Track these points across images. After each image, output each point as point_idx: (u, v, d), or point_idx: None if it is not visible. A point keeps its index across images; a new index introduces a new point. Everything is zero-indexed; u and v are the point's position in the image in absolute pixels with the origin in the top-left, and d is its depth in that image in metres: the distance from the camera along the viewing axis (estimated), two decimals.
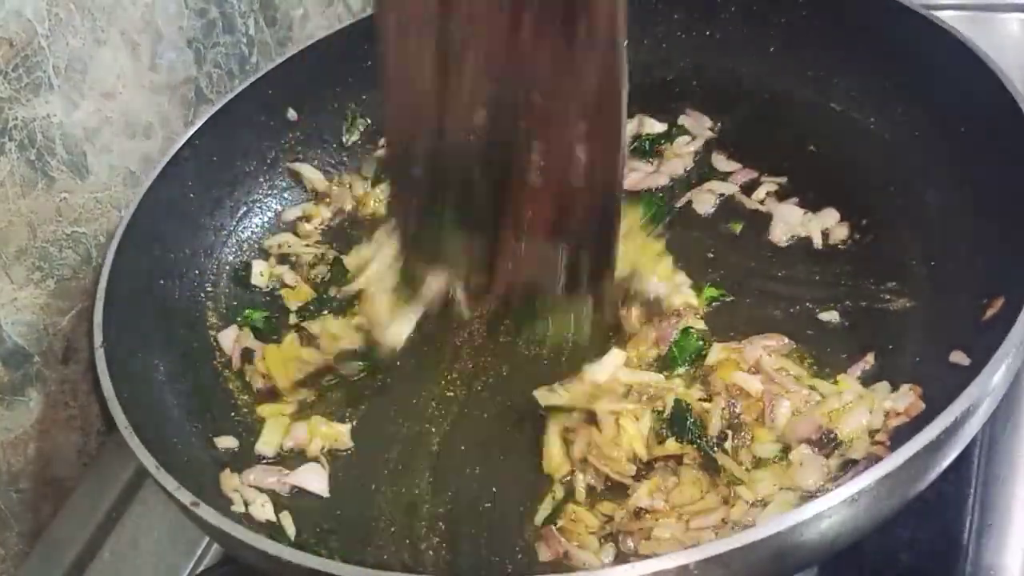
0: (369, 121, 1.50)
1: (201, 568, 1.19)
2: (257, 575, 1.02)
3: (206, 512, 0.91)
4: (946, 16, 1.23)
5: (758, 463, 1.02)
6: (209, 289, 1.32)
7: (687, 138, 1.41)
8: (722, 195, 1.32)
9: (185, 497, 0.92)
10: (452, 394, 1.16)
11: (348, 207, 1.43)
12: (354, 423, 1.16)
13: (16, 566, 1.25)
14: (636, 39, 1.46)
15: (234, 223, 1.39)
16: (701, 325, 1.15)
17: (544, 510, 1.02)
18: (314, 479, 1.10)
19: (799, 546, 0.81)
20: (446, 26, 1.02)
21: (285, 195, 1.44)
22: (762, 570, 0.82)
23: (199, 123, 1.33)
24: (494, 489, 1.06)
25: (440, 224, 1.14)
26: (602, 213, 1.10)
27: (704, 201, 1.32)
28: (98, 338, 1.08)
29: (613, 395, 1.07)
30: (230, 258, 1.36)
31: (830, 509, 0.79)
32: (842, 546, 0.86)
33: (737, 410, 1.06)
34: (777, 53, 1.40)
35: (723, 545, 0.77)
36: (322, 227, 1.41)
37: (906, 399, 1.02)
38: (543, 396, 1.09)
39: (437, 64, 1.04)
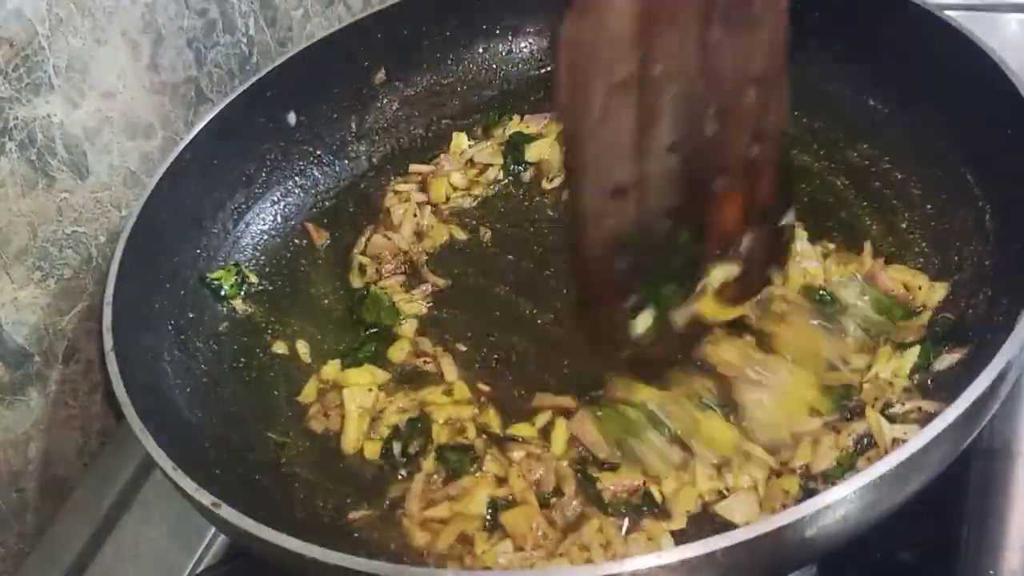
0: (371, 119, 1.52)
1: (201, 568, 1.19)
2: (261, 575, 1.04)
3: (228, 513, 0.91)
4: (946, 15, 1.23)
5: None
6: (214, 291, 1.32)
7: None
8: None
9: (206, 498, 0.92)
10: None
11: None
12: None
13: (16, 566, 1.25)
14: None
15: (236, 226, 1.39)
16: None
17: None
18: None
19: (819, 533, 0.82)
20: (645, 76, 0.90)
21: (287, 198, 1.45)
22: (780, 557, 0.84)
23: (200, 125, 1.33)
24: None
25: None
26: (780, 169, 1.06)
27: None
28: (108, 342, 1.08)
29: None
30: (233, 260, 1.36)
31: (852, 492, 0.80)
32: (860, 529, 0.87)
33: None
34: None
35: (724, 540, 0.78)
36: None
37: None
38: None
39: (637, 121, 0.92)
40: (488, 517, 1.04)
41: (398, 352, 1.24)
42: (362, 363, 1.24)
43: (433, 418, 1.15)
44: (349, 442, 1.16)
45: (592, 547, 0.98)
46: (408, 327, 1.27)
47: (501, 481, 1.07)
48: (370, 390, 1.20)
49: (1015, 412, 1.12)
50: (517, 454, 1.09)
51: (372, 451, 1.15)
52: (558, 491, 1.05)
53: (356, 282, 1.35)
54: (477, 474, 1.08)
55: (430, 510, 1.06)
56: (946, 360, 1.06)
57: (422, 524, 1.05)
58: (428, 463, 1.10)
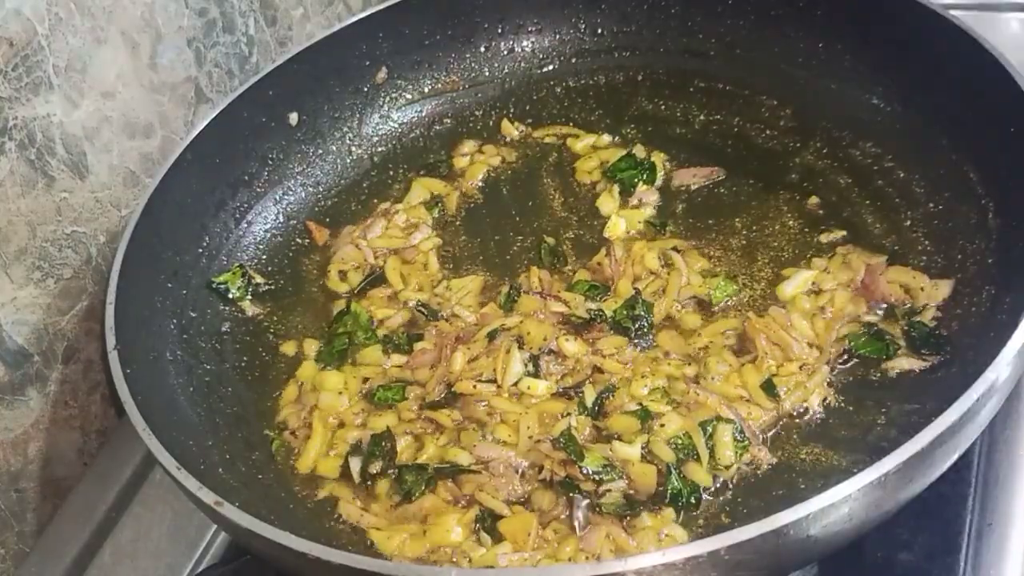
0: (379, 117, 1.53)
1: (201, 568, 1.19)
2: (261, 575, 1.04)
3: (230, 511, 0.91)
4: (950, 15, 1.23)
5: None
6: (221, 295, 1.31)
7: None
8: None
9: (208, 497, 0.92)
10: None
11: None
12: None
13: (16, 566, 1.25)
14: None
15: (238, 225, 1.39)
16: None
17: None
18: None
19: (821, 532, 0.83)
20: None
21: (288, 197, 1.44)
22: (784, 556, 0.85)
23: (202, 125, 1.32)
24: None
25: None
26: None
27: None
28: (111, 341, 1.08)
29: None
30: (236, 260, 1.36)
31: (858, 491, 0.81)
32: (864, 528, 0.88)
33: None
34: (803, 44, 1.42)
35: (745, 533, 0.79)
36: None
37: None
38: None
39: None
40: (475, 531, 1.04)
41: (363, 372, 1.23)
42: (338, 358, 1.23)
43: (399, 432, 1.13)
44: (305, 463, 1.14)
45: (603, 554, 0.98)
46: (373, 351, 1.24)
47: (464, 502, 1.06)
48: (340, 393, 1.19)
49: (1015, 413, 1.12)
50: (469, 486, 1.07)
51: (328, 468, 1.13)
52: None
53: (339, 288, 1.34)
54: (432, 497, 1.07)
55: (399, 525, 1.06)
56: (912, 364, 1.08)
57: (389, 536, 1.05)
58: (383, 485, 1.09)
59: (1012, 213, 1.10)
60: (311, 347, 1.26)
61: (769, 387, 1.09)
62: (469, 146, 1.49)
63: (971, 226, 1.15)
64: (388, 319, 1.27)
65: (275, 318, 1.31)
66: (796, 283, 1.19)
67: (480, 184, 1.45)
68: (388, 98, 1.53)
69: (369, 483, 1.10)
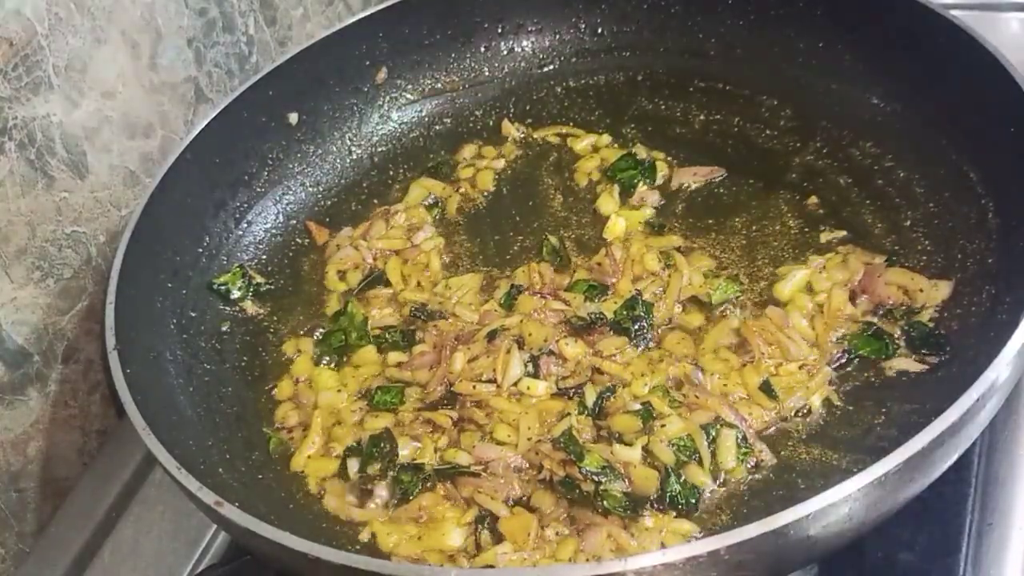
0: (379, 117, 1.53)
1: (201, 568, 1.19)
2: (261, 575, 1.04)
3: (230, 511, 0.91)
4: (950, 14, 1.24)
5: None
6: (223, 295, 1.31)
7: None
8: None
9: (209, 497, 0.92)
10: None
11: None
12: None
13: (16, 566, 1.25)
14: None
15: (238, 225, 1.39)
16: None
17: None
18: None
19: (822, 532, 0.83)
20: None
21: (288, 197, 1.44)
22: (784, 556, 0.85)
23: (202, 124, 1.32)
24: None
25: None
26: None
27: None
28: (111, 341, 1.08)
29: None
30: (236, 261, 1.36)
31: (858, 491, 0.81)
32: (864, 528, 0.87)
33: None
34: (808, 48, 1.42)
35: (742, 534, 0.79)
36: None
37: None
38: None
39: None
40: (475, 531, 1.04)
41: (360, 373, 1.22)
42: (334, 353, 1.24)
43: (399, 432, 1.13)
44: (299, 461, 1.14)
45: (603, 554, 0.98)
46: (369, 351, 1.23)
47: (466, 503, 1.06)
48: (339, 391, 1.19)
49: (1015, 413, 1.12)
50: (467, 489, 1.07)
51: (326, 468, 1.12)
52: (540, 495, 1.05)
53: (338, 288, 1.33)
54: (431, 495, 1.07)
55: (398, 527, 1.05)
56: (912, 364, 1.08)
57: (389, 532, 1.05)
58: (382, 488, 1.09)
59: (1012, 213, 1.10)
60: (308, 346, 1.26)
61: (767, 387, 1.09)
62: (470, 150, 1.49)
63: (971, 226, 1.15)
64: (386, 319, 1.27)
65: (275, 318, 1.31)
66: (792, 282, 1.19)
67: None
68: (388, 98, 1.54)
69: (367, 484, 1.10)
